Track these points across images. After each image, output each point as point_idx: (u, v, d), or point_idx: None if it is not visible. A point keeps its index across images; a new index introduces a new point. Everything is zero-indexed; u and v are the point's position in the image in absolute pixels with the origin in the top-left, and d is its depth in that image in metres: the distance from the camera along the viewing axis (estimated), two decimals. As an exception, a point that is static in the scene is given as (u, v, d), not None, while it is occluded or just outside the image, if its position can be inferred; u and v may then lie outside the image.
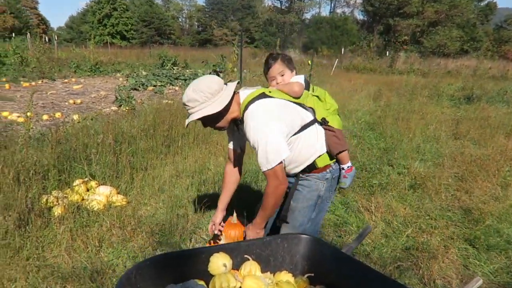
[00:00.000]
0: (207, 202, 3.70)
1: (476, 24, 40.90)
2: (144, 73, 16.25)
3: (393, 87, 14.13)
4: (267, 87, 2.17)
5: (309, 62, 16.72)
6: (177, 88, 12.59)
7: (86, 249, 2.78)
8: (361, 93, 12.10)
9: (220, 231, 2.38)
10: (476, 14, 41.81)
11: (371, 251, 2.93)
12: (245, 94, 2.01)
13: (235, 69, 10.28)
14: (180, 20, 69.80)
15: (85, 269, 2.56)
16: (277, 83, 2.21)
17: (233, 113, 2.00)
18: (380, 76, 20.50)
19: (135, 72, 16.55)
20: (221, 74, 8.97)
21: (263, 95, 1.94)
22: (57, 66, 16.73)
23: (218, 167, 4.53)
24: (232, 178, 2.46)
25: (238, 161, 2.43)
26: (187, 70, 18.54)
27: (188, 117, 1.97)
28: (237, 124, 2.14)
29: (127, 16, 51.78)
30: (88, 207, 3.33)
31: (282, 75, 2.21)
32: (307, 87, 2.21)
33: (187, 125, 2.02)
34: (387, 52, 31.42)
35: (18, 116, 6.83)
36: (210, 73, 9.34)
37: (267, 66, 2.25)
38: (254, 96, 1.93)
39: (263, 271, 1.70)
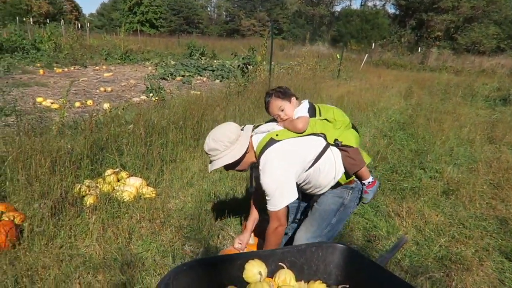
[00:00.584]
0: (235, 198, 3.71)
1: (515, 21, 39.11)
2: (172, 62, 16.41)
3: (425, 85, 13.75)
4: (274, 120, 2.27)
5: (338, 56, 16.48)
6: (204, 79, 12.66)
7: (116, 241, 2.82)
8: (391, 90, 11.82)
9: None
10: (515, 11, 39.95)
11: (401, 258, 2.85)
12: (257, 140, 2.11)
13: (264, 62, 10.21)
14: (208, 9, 69.91)
15: (115, 260, 2.60)
16: (281, 118, 2.19)
17: (251, 158, 2.14)
18: (410, 72, 19.99)
19: (163, 61, 16.73)
20: (250, 67, 8.90)
21: (271, 141, 2.02)
22: (88, 53, 17.11)
23: (246, 163, 4.52)
24: (257, 208, 2.51)
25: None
26: (215, 61, 18.61)
27: (210, 163, 2.13)
28: (254, 167, 2.23)
29: (156, 4, 52.31)
30: (118, 197, 3.39)
31: (282, 110, 2.19)
32: (312, 113, 2.18)
33: (210, 172, 2.19)
34: (419, 48, 30.55)
35: (52, 103, 7.02)
36: (239, 66, 9.27)
37: (266, 106, 2.28)
38: (264, 144, 2.03)
39: (297, 279, 1.67)
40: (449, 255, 2.91)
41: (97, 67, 14.23)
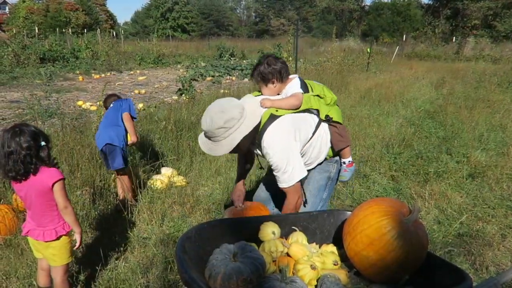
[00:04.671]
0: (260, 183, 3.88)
1: (559, 5, 36.91)
2: (203, 64, 16.84)
3: (459, 75, 13.37)
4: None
5: (368, 50, 16.28)
6: (234, 78, 12.94)
7: (151, 222, 3.07)
8: (422, 81, 11.61)
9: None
10: (559, -7, 37.71)
11: (422, 236, 2.92)
12: None
13: (290, 58, 10.33)
14: (238, 11, 70.65)
15: (149, 239, 2.85)
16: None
17: (254, 131, 1.99)
18: (445, 63, 19.42)
19: (194, 63, 17.20)
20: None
21: (272, 117, 1.98)
22: (123, 59, 17.85)
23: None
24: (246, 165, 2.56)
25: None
26: (244, 61, 18.88)
27: (222, 141, 1.91)
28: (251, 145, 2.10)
29: (187, 10, 53.55)
30: (152, 186, 3.65)
31: (259, 90, 2.20)
32: (305, 90, 2.15)
33: (222, 154, 2.02)
34: (454, 38, 29.53)
35: (91, 105, 7.47)
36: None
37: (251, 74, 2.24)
38: (265, 120, 1.98)
39: (309, 242, 1.82)
40: (470, 232, 2.95)
41: (131, 72, 14.85)
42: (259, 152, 2.13)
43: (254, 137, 2.01)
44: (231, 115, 1.87)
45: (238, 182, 2.50)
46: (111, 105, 3.47)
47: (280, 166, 1.96)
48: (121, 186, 3.40)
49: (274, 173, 2.02)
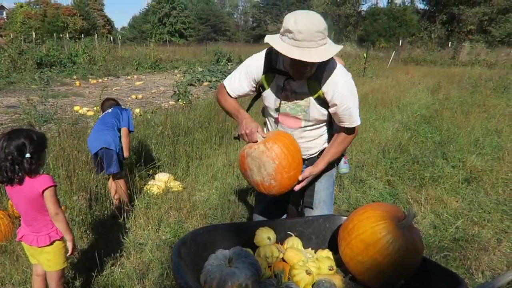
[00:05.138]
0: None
1: (554, 10, 37.24)
2: (200, 69, 16.84)
3: (455, 79, 13.46)
4: None
5: (364, 55, 16.37)
6: (231, 83, 12.96)
7: (147, 228, 3.06)
8: (419, 86, 11.66)
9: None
10: (554, -1, 38.05)
11: (418, 241, 2.93)
12: None
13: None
14: (235, 16, 70.97)
15: (146, 244, 2.84)
16: None
17: None
18: (441, 68, 19.55)
19: (191, 69, 17.20)
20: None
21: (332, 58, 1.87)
22: (120, 64, 17.84)
23: (269, 158, 4.70)
24: None
25: None
26: (241, 66, 18.90)
27: (314, 50, 1.65)
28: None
29: (185, 15, 53.76)
30: (148, 191, 3.64)
31: None
32: None
33: (319, 60, 1.66)
34: (450, 43, 29.75)
35: (88, 110, 7.47)
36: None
37: None
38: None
39: (305, 247, 1.83)
40: (465, 236, 2.96)
41: (128, 77, 14.85)
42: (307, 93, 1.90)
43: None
44: (326, 26, 1.70)
45: (246, 113, 2.06)
46: (109, 110, 3.48)
47: (351, 103, 1.88)
48: (117, 190, 3.40)
49: (340, 112, 1.89)
